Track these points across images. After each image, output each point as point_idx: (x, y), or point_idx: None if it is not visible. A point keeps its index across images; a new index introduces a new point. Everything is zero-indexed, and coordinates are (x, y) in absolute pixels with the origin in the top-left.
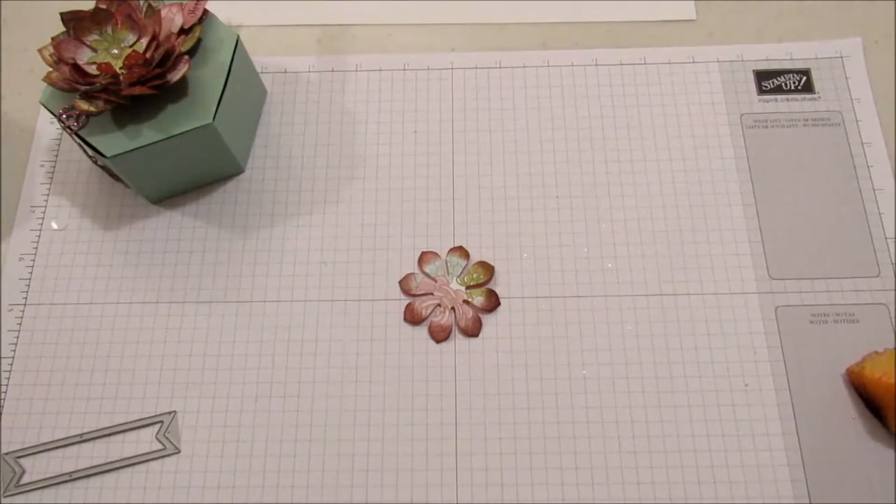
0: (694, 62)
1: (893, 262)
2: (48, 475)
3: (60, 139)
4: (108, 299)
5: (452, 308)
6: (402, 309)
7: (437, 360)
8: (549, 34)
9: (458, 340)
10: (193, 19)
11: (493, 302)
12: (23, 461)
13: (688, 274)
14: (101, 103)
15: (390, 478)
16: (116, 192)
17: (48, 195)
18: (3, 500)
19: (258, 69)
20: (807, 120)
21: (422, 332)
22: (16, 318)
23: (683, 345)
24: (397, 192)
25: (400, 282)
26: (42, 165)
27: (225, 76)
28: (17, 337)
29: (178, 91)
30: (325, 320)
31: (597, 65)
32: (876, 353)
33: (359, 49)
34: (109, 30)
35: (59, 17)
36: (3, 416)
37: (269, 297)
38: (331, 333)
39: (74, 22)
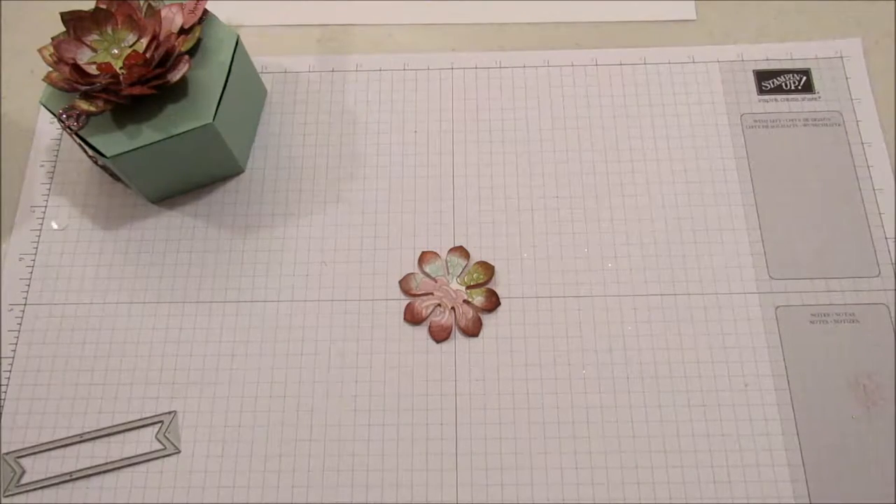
0: (694, 62)
1: (893, 262)
2: (48, 475)
3: (60, 139)
4: (108, 299)
5: (452, 308)
6: (402, 309)
7: (437, 360)
8: (549, 34)
9: (458, 340)
10: (193, 19)
11: (493, 302)
12: (23, 461)
13: (688, 274)
14: (101, 103)
15: (390, 478)
16: (116, 192)
17: (48, 195)
18: (3, 500)
19: (258, 69)
20: (807, 120)
21: (422, 332)
22: (16, 318)
23: (683, 345)
24: (397, 192)
25: (400, 282)
26: (42, 165)
27: (225, 76)
28: (17, 337)
29: (178, 91)
30: (325, 320)
31: (597, 65)
32: None
33: (359, 49)
34: (109, 30)
35: (59, 17)
36: (3, 416)
37: (269, 297)
38: (331, 333)
39: (74, 22)
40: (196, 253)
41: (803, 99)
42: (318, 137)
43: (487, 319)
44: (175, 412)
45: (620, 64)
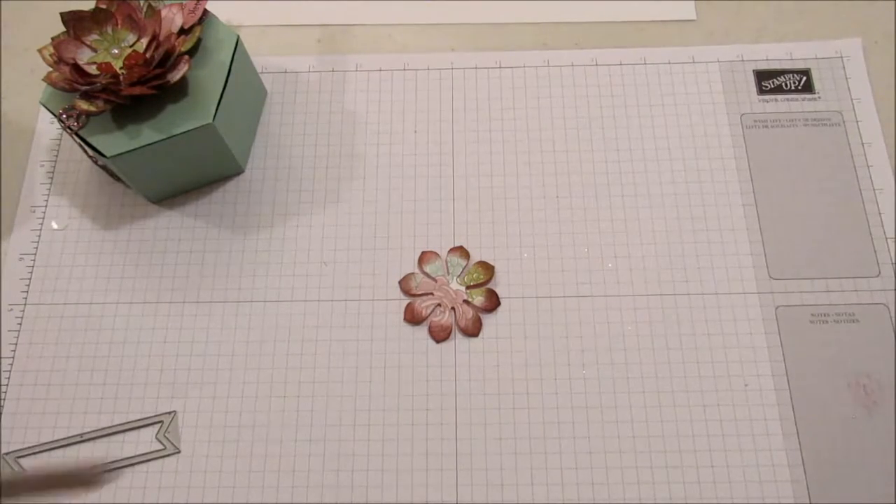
0: (694, 62)
1: (893, 262)
2: None
3: (60, 139)
4: (108, 299)
5: (452, 308)
6: (402, 309)
7: (437, 360)
8: (549, 34)
9: (458, 340)
10: (193, 19)
11: (493, 302)
12: (23, 461)
13: (688, 274)
14: (101, 103)
15: (390, 478)
16: (116, 192)
17: (48, 195)
18: (3, 501)
19: (258, 69)
20: (807, 120)
21: (422, 332)
22: (16, 318)
23: (683, 345)
24: (397, 191)
25: (400, 282)
26: (42, 165)
27: (225, 76)
28: (17, 337)
29: (178, 91)
30: (325, 320)
31: (597, 65)
32: None
33: (359, 49)
34: (109, 30)
35: (59, 17)
36: (3, 416)
37: (269, 297)
38: (331, 333)
39: (74, 22)
40: (196, 253)
41: (803, 99)
42: (318, 137)
43: (487, 319)
44: (175, 412)
45: (620, 64)
